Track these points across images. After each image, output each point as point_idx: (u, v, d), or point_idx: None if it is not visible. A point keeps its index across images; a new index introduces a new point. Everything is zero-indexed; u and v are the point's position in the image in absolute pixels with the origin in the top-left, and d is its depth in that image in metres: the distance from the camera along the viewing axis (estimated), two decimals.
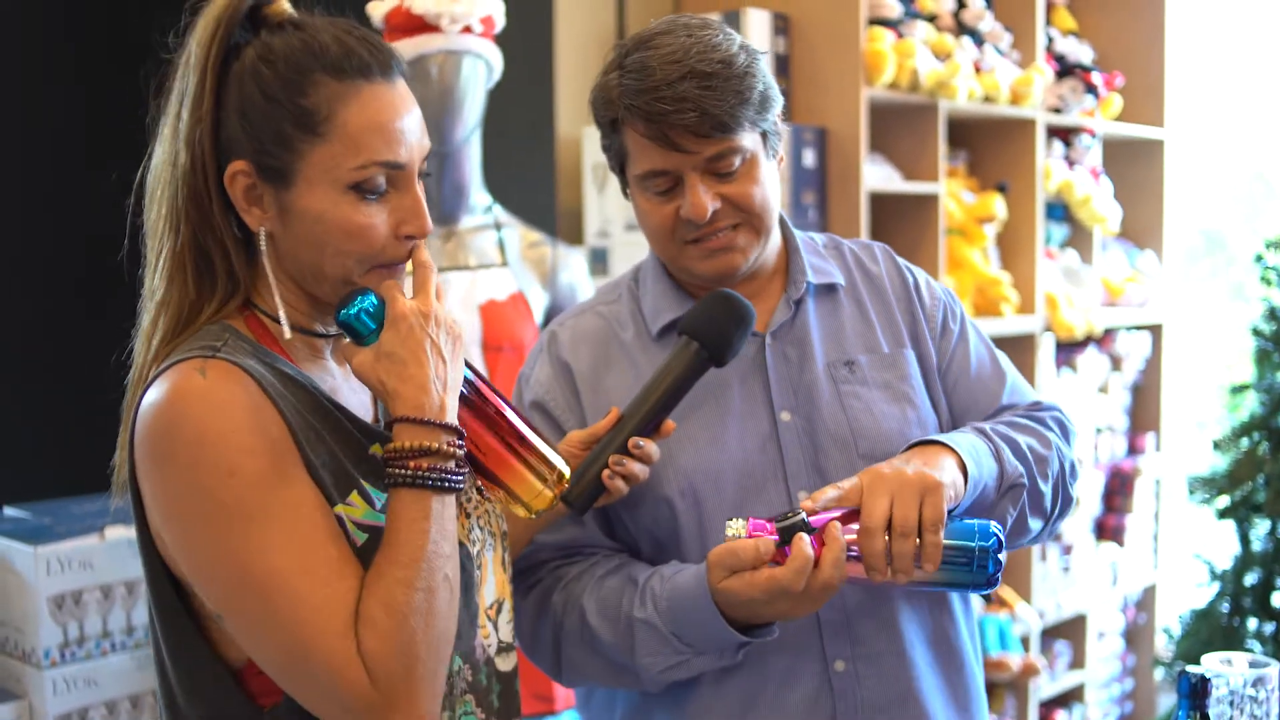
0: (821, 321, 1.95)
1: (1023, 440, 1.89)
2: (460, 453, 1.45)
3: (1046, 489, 1.90)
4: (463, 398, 1.51)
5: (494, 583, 1.63)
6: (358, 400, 1.59)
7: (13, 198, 3.45)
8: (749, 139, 1.81)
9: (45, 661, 2.81)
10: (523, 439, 1.56)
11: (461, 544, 1.56)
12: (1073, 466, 1.97)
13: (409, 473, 1.42)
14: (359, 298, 1.46)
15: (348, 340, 1.48)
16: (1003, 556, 1.70)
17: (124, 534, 2.93)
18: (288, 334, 1.51)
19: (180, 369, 1.41)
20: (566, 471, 1.58)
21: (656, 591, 1.78)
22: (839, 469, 1.86)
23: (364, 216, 1.47)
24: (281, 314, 1.50)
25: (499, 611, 1.63)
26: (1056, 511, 1.95)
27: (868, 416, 1.89)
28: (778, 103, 1.86)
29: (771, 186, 1.87)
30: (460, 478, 1.45)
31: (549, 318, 3.20)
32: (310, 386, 1.49)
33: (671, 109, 1.74)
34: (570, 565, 1.89)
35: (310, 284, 1.52)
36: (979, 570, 1.69)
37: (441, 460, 1.43)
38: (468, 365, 1.54)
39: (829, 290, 1.98)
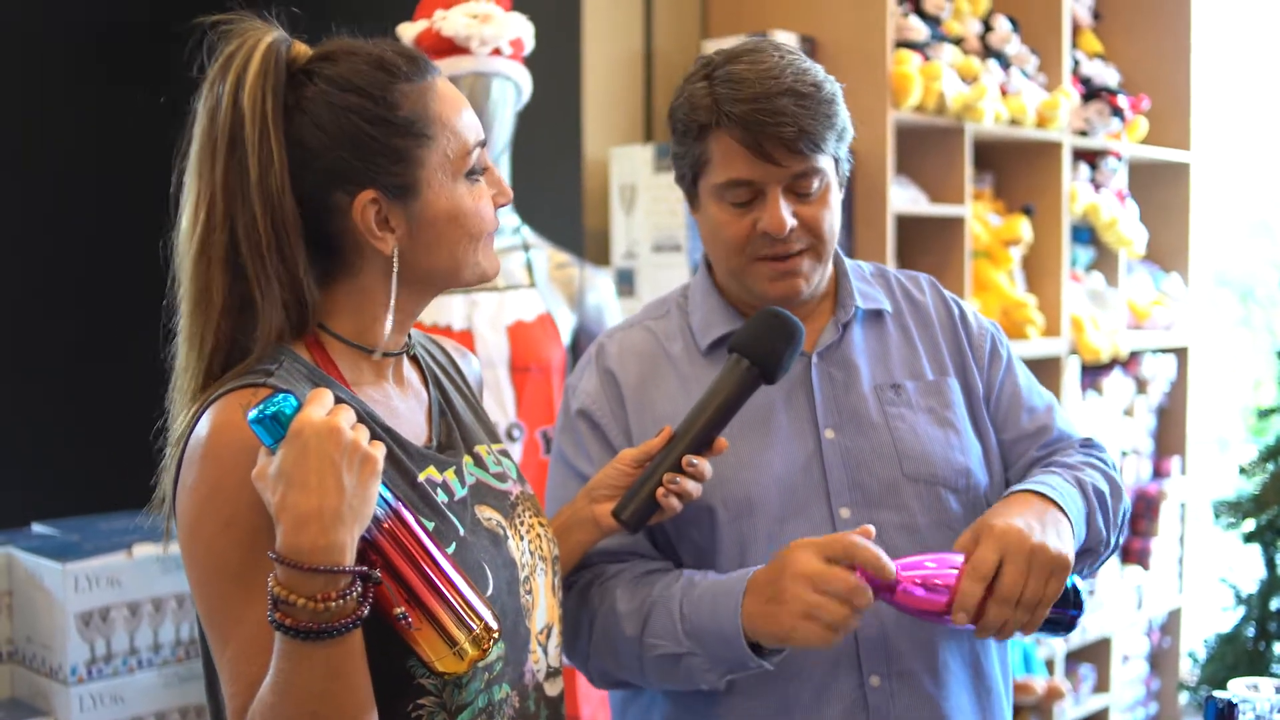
0: (868, 346, 1.97)
1: (1108, 496, 1.91)
2: (334, 604, 1.27)
3: (1111, 544, 1.94)
4: (382, 528, 1.35)
5: (545, 607, 1.63)
6: (412, 422, 1.59)
7: (46, 220, 3.47)
8: (828, 164, 1.85)
9: (72, 678, 2.82)
10: (438, 589, 1.35)
11: (512, 567, 1.56)
12: (1127, 517, 2.00)
13: (273, 619, 1.28)
14: (276, 399, 1.30)
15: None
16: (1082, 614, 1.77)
17: (152, 551, 2.94)
18: (377, 356, 1.55)
19: (228, 402, 1.41)
20: (495, 625, 1.37)
21: (693, 579, 1.79)
22: (882, 488, 1.88)
23: (477, 198, 1.54)
24: (388, 329, 1.53)
25: (549, 636, 1.64)
26: (1105, 560, 1.99)
27: (913, 437, 1.91)
28: (850, 136, 1.90)
29: (838, 215, 1.90)
30: (336, 629, 1.29)
31: (576, 339, 3.21)
32: (363, 412, 1.49)
33: (771, 121, 1.78)
34: (614, 564, 1.90)
35: (436, 282, 1.56)
36: (1066, 628, 1.76)
37: (302, 616, 1.28)
38: (393, 494, 1.37)
39: (876, 316, 2.00)
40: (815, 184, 1.84)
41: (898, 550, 1.83)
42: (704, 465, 1.74)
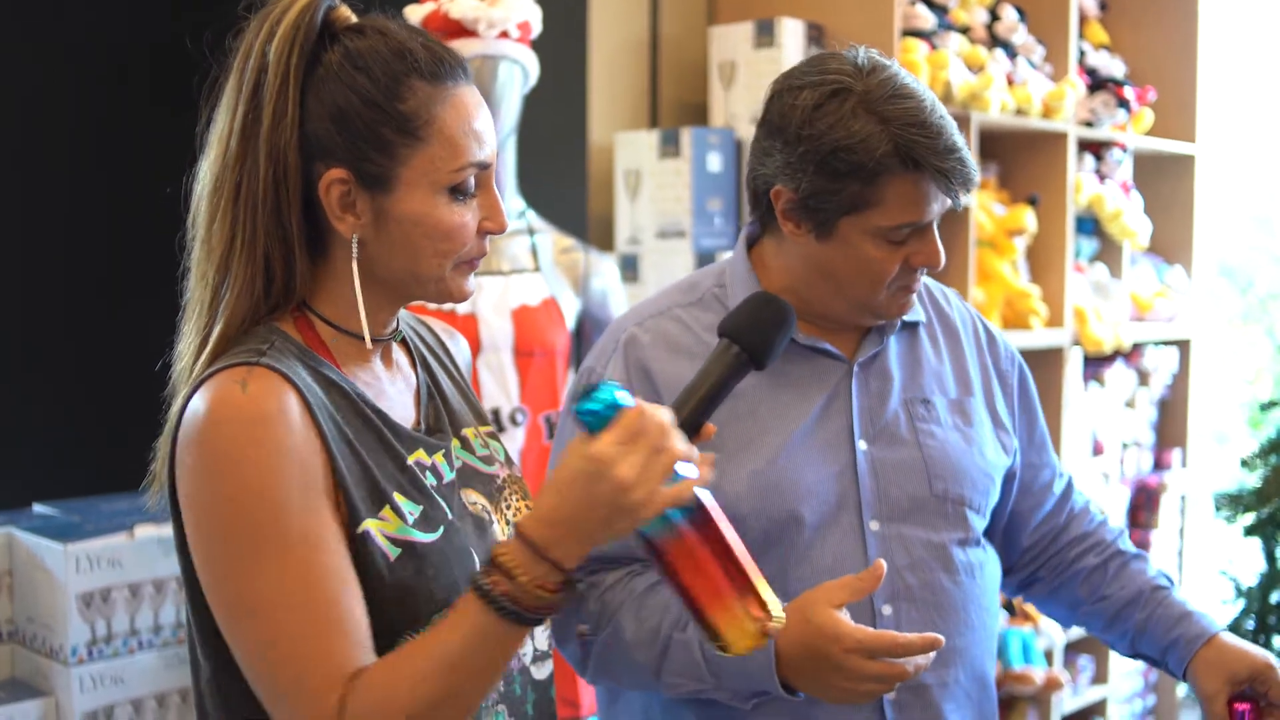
0: (901, 357, 1.99)
1: None
2: (551, 596, 1.34)
3: None
4: (691, 518, 1.39)
5: None
6: (401, 405, 1.59)
7: (49, 200, 3.46)
8: None
9: (73, 659, 2.82)
10: (744, 575, 1.40)
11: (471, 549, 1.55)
12: None
13: (484, 585, 1.34)
14: (602, 391, 1.36)
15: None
16: None
17: (153, 532, 2.94)
18: (369, 344, 1.52)
19: (222, 379, 1.40)
20: (779, 612, 1.41)
21: None
22: (910, 503, 1.90)
23: (458, 216, 1.49)
24: (364, 322, 1.51)
25: None
26: None
27: (943, 455, 1.93)
28: None
29: None
30: (539, 617, 1.35)
31: (581, 323, 3.20)
32: (353, 393, 1.49)
33: (968, 169, 1.80)
34: (606, 572, 1.90)
35: (399, 285, 1.53)
36: None
37: (519, 592, 1.33)
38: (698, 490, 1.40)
39: (910, 326, 2.02)
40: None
41: (921, 564, 1.86)
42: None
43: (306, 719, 1.36)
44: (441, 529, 1.48)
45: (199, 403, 1.40)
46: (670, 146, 3.66)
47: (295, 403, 1.41)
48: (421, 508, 1.47)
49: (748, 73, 3.78)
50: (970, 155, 1.80)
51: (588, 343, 3.25)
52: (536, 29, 3.09)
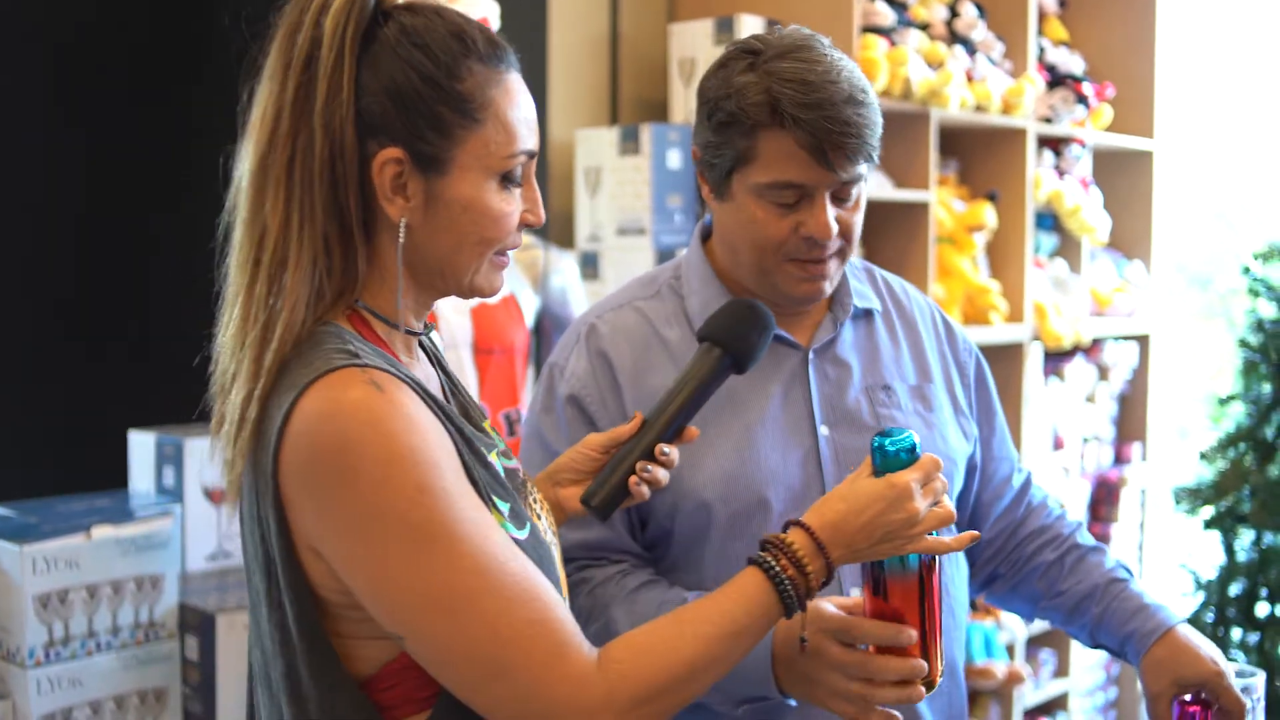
0: (858, 344, 1.99)
1: None
2: (808, 594, 1.48)
3: None
4: (922, 566, 1.56)
5: (562, 584, 1.60)
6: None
7: (12, 203, 3.44)
8: (867, 170, 1.84)
9: (30, 661, 2.80)
10: (933, 629, 1.57)
11: (549, 544, 1.54)
12: None
13: (775, 568, 1.47)
14: (906, 436, 1.52)
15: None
16: None
17: (111, 533, 2.91)
18: (402, 329, 1.48)
19: (342, 381, 1.35)
20: (940, 671, 1.59)
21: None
22: None
23: (506, 204, 1.47)
24: (399, 307, 1.47)
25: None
26: None
27: None
28: None
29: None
30: (794, 608, 1.48)
31: (540, 321, 3.20)
32: (431, 392, 1.45)
33: (837, 129, 1.76)
34: (596, 568, 1.90)
35: (436, 275, 1.49)
36: None
37: (801, 581, 1.47)
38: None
39: (865, 315, 2.02)
40: (855, 191, 1.84)
41: None
42: (674, 454, 1.71)
43: (560, 682, 1.35)
44: (529, 525, 1.47)
45: (322, 406, 1.35)
46: (630, 143, 3.66)
47: (422, 402, 1.39)
48: (509, 504, 1.46)
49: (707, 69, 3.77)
50: (863, 124, 1.78)
51: (547, 340, 3.24)
52: (495, 26, 3.08)
